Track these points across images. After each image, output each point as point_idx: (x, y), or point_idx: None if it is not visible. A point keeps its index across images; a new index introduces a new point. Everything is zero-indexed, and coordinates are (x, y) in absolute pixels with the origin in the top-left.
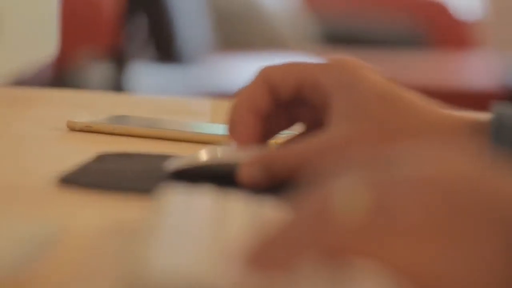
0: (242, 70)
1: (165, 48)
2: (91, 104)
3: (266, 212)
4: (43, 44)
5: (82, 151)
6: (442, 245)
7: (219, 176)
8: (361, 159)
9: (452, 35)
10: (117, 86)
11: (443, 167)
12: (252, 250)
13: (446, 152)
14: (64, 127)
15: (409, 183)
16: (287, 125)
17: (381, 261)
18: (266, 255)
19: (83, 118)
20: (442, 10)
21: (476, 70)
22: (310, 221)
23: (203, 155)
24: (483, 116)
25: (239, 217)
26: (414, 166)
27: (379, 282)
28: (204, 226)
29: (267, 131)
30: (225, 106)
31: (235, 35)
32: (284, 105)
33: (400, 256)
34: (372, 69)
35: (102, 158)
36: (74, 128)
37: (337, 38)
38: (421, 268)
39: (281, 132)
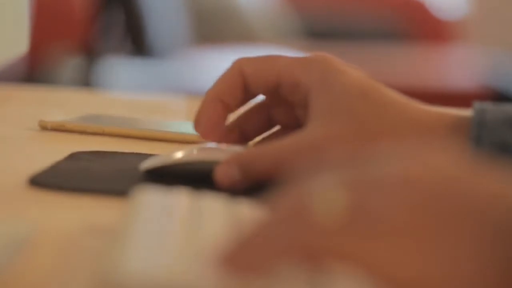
0: (218, 64)
1: (141, 43)
2: (63, 103)
3: (242, 213)
4: (14, 40)
5: (54, 151)
6: (421, 247)
7: (194, 175)
8: (340, 159)
9: (433, 32)
10: (91, 81)
11: (424, 167)
12: (227, 252)
13: (427, 152)
14: (36, 126)
15: (389, 184)
16: (265, 127)
17: (359, 262)
18: (242, 256)
19: (55, 117)
20: (424, 7)
21: (458, 68)
22: (288, 221)
23: (178, 154)
24: (464, 113)
25: (214, 218)
26: (395, 166)
27: (356, 285)
28: (178, 228)
29: (245, 133)
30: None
31: (211, 29)
32: (262, 106)
33: (378, 258)
34: (352, 66)
35: (75, 157)
36: (46, 128)
37: (317, 32)
38: (399, 270)
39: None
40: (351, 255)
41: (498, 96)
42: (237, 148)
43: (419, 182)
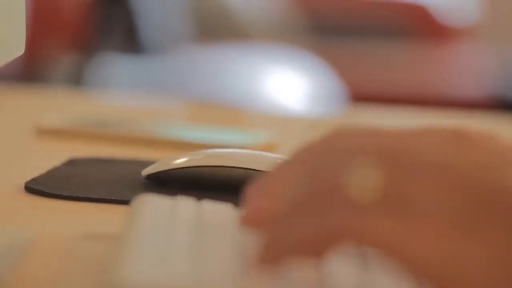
0: (215, 62)
1: (137, 40)
2: (61, 106)
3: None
4: (11, 40)
5: (51, 156)
6: (451, 231)
7: (197, 181)
8: (380, 143)
9: (440, 36)
10: (87, 79)
11: (463, 155)
12: (263, 242)
13: (471, 142)
14: (32, 130)
15: (427, 167)
16: None
17: (387, 242)
18: (279, 240)
19: (52, 120)
20: (430, 11)
21: (465, 74)
22: (320, 198)
23: (181, 159)
24: None
25: (217, 227)
26: (435, 151)
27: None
28: (181, 237)
29: None
30: (202, 110)
31: (209, 26)
32: None
33: (407, 238)
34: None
35: (73, 163)
36: (43, 131)
37: (320, 30)
38: (426, 252)
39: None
40: (380, 234)
41: (507, 105)
42: (249, 153)
43: (457, 169)
